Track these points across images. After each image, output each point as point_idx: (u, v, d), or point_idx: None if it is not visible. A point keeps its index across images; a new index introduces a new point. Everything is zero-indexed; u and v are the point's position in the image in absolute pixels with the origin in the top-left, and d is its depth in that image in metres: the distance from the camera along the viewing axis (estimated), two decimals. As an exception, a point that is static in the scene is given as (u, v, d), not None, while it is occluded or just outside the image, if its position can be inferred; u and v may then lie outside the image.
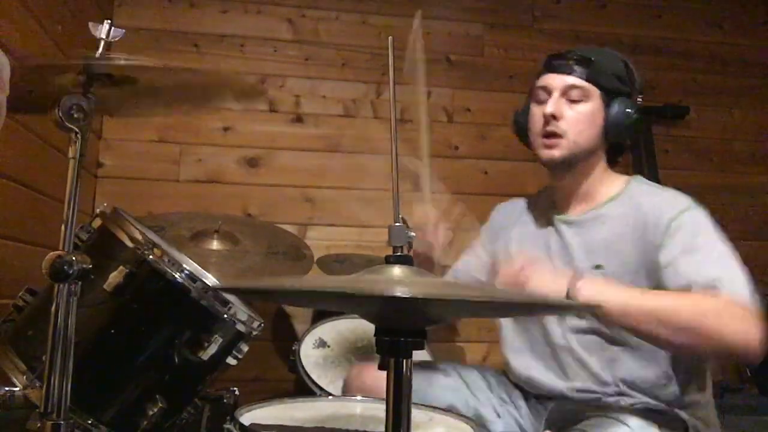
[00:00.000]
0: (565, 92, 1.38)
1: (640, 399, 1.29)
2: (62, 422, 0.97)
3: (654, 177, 2.44)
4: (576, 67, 1.37)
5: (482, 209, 2.59)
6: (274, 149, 2.50)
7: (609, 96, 1.37)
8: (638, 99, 1.42)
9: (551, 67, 1.41)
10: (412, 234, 0.84)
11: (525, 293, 1.14)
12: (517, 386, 1.47)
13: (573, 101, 1.37)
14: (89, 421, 1.09)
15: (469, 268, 1.63)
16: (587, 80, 1.37)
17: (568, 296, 1.15)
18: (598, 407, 1.29)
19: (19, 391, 1.09)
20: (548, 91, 1.40)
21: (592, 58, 1.37)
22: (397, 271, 0.75)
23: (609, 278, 1.26)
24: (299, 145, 2.53)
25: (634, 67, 1.43)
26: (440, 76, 2.64)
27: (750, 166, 2.81)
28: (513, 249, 1.51)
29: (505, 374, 1.51)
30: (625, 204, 1.38)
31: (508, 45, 2.72)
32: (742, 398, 1.71)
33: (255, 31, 2.56)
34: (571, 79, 1.37)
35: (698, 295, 1.18)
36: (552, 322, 1.39)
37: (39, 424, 0.96)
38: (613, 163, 1.46)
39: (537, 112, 1.42)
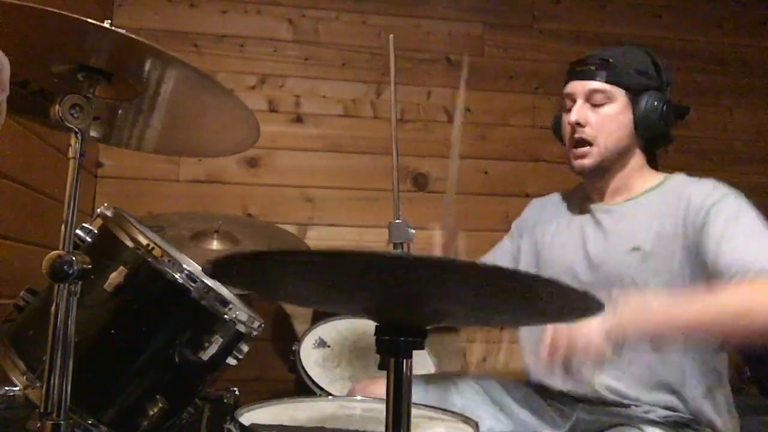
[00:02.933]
0: (588, 97, 1.38)
1: (663, 406, 1.28)
2: (62, 422, 0.97)
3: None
4: (596, 71, 1.37)
5: (482, 209, 2.61)
6: (274, 149, 2.50)
7: (635, 93, 1.37)
8: (667, 91, 1.40)
9: (573, 74, 1.42)
10: (412, 231, 0.84)
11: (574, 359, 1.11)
12: (529, 395, 1.47)
13: (597, 105, 1.37)
14: (89, 421, 1.08)
15: (494, 260, 1.65)
16: (608, 82, 1.36)
17: (617, 334, 1.11)
18: (623, 416, 1.28)
19: (19, 391, 1.09)
20: (573, 99, 1.40)
21: (610, 60, 1.37)
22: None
23: (635, 303, 1.19)
24: (299, 145, 2.53)
25: (661, 61, 1.42)
26: (440, 76, 2.64)
27: (750, 166, 2.81)
28: (548, 240, 1.51)
29: (503, 381, 1.50)
30: (665, 193, 1.38)
31: (508, 45, 2.72)
32: (742, 398, 1.71)
33: (255, 31, 2.56)
34: (592, 84, 1.37)
35: (723, 289, 1.15)
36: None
37: (39, 424, 0.96)
38: (653, 158, 1.45)
39: (565, 121, 1.42)
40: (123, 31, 0.94)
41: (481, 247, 2.58)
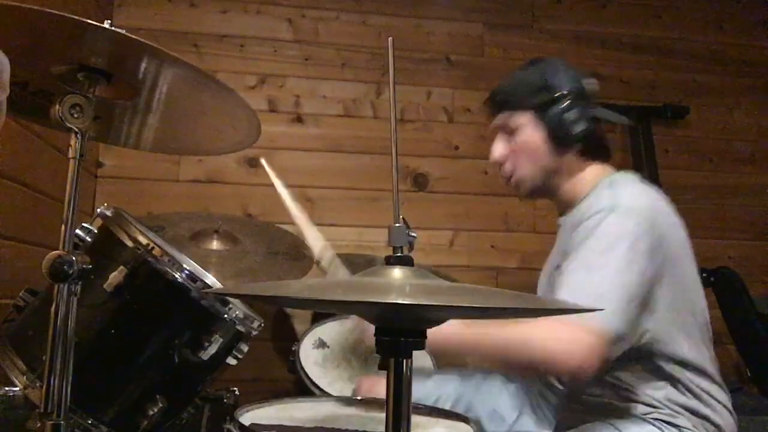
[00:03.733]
0: (502, 130, 1.42)
1: (647, 408, 1.28)
2: (62, 422, 0.97)
3: (654, 177, 2.44)
4: (497, 106, 1.42)
5: (482, 209, 2.61)
6: (274, 149, 2.50)
7: (540, 111, 1.37)
8: (572, 92, 1.36)
9: (487, 111, 1.47)
10: (413, 234, 0.84)
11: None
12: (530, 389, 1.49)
13: (511, 135, 1.41)
14: (89, 421, 1.09)
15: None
16: (511, 111, 1.39)
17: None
18: (605, 413, 1.29)
19: (19, 391, 1.09)
20: (493, 135, 1.45)
21: (508, 89, 1.41)
22: (396, 273, 0.74)
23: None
24: (299, 145, 2.53)
25: (561, 66, 1.40)
26: (440, 76, 2.65)
27: (750, 166, 2.81)
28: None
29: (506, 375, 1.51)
30: (588, 203, 1.36)
31: (508, 45, 2.72)
32: (742, 398, 1.71)
33: (255, 31, 2.56)
34: (498, 119, 1.42)
35: (537, 323, 1.18)
36: None
37: (39, 424, 0.96)
38: (594, 158, 1.41)
39: (490, 157, 1.47)
40: (123, 31, 0.94)
41: (480, 246, 2.60)
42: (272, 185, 1.68)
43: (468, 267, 2.56)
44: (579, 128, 1.35)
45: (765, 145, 2.84)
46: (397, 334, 0.71)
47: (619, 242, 1.21)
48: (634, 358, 1.26)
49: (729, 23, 2.89)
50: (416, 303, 0.62)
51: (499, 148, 1.43)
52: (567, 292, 1.19)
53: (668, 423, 1.26)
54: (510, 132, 1.40)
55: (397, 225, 0.82)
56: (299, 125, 2.55)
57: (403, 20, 2.67)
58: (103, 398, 1.12)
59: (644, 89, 2.76)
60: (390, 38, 0.88)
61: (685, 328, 1.28)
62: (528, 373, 1.37)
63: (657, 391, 1.27)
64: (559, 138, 1.37)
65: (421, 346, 0.72)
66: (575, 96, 1.36)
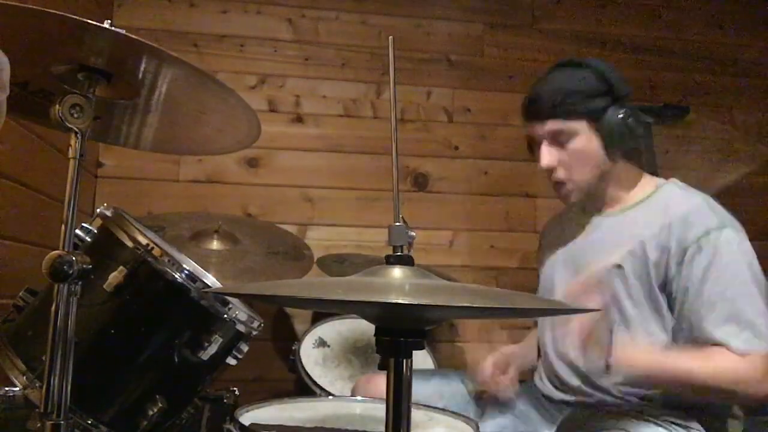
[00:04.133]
0: (551, 138, 1.37)
1: (657, 409, 1.29)
2: (62, 422, 0.97)
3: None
4: (549, 111, 1.35)
5: (482, 209, 2.61)
6: (274, 149, 2.50)
7: (595, 118, 1.34)
8: (624, 94, 1.36)
9: (527, 116, 1.40)
10: (412, 234, 0.84)
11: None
12: (532, 390, 1.48)
13: (562, 143, 1.36)
14: (89, 421, 1.08)
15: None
16: (564, 119, 1.34)
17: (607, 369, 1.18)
18: (614, 415, 1.28)
19: (19, 391, 1.09)
20: (536, 140, 1.40)
21: (559, 96, 1.34)
22: (396, 272, 0.74)
23: (637, 342, 1.27)
24: (299, 145, 2.53)
25: (606, 68, 1.37)
26: (440, 76, 2.65)
27: (750, 166, 2.81)
28: (552, 257, 1.52)
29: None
30: (654, 207, 1.36)
31: (508, 45, 2.72)
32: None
33: (255, 31, 2.56)
34: (550, 126, 1.35)
35: (716, 355, 1.19)
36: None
37: (39, 424, 0.96)
38: (640, 158, 1.44)
39: (539, 164, 1.41)
40: (122, 31, 0.94)
41: (480, 246, 2.59)
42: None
43: (468, 267, 2.56)
44: (638, 134, 1.34)
45: (765, 145, 2.84)
46: (397, 334, 0.71)
47: (734, 261, 1.25)
48: None
49: (729, 23, 2.89)
50: (416, 303, 0.62)
51: (549, 156, 1.36)
52: (722, 319, 1.21)
53: (678, 425, 1.26)
54: (562, 140, 1.35)
55: (397, 224, 0.82)
56: (299, 125, 2.55)
57: (403, 20, 2.67)
58: (103, 398, 1.12)
59: (644, 89, 2.76)
60: (390, 37, 0.88)
61: None
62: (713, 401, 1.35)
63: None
64: (618, 143, 1.34)
65: (421, 346, 0.72)
66: (628, 99, 1.36)
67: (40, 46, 1.01)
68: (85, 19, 0.90)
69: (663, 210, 1.33)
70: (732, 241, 1.27)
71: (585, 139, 1.35)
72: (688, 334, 1.25)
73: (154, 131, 1.32)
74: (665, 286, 1.28)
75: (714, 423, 1.29)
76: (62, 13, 0.89)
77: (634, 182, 1.42)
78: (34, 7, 0.89)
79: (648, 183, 1.42)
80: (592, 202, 1.44)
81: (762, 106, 2.85)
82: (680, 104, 2.76)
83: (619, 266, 1.32)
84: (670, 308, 1.28)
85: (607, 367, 1.17)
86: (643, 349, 1.25)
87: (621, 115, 1.33)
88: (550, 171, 1.38)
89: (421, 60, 2.64)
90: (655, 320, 1.29)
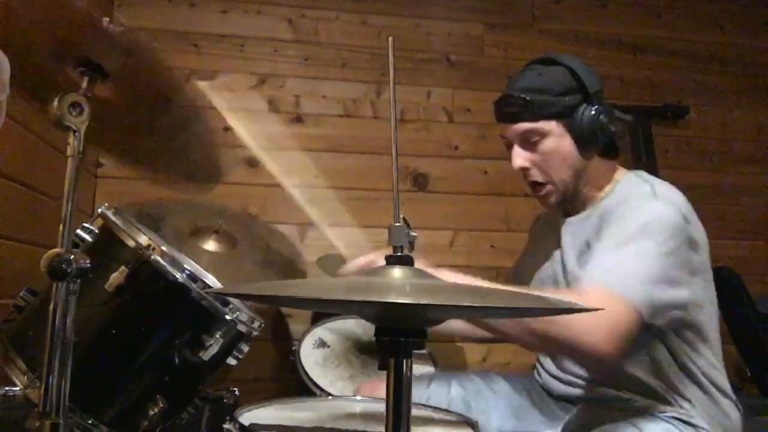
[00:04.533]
0: (523, 139, 1.35)
1: (665, 406, 1.29)
2: (62, 422, 0.97)
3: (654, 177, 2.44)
4: (520, 112, 1.33)
5: (482, 209, 2.61)
6: (274, 149, 2.50)
7: (565, 117, 1.32)
8: (596, 91, 1.33)
9: (499, 117, 1.39)
10: (414, 234, 0.84)
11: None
12: (534, 389, 1.48)
13: (534, 144, 1.34)
14: (89, 421, 1.09)
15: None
16: (535, 119, 1.32)
17: None
18: (623, 412, 1.28)
19: (19, 391, 1.09)
20: (509, 142, 1.38)
21: (528, 97, 1.31)
22: (396, 272, 0.74)
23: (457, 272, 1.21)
24: (299, 145, 2.53)
25: (581, 66, 1.34)
26: (440, 76, 2.64)
27: (750, 166, 2.81)
28: (538, 260, 1.51)
29: (508, 376, 1.51)
30: (613, 200, 1.35)
31: (508, 45, 2.72)
32: (742, 398, 1.71)
33: (255, 31, 2.56)
34: (520, 126, 1.34)
35: (557, 291, 1.18)
36: None
37: (38, 424, 0.96)
38: (610, 157, 1.41)
39: (512, 165, 1.39)
40: (122, 29, 0.94)
41: (480, 246, 2.59)
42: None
43: (468, 267, 2.56)
44: (611, 130, 1.32)
45: (765, 145, 2.84)
46: (397, 334, 0.71)
47: (662, 229, 1.20)
48: (659, 355, 1.27)
49: (729, 23, 2.89)
50: (416, 303, 0.62)
51: (522, 156, 1.35)
52: (596, 270, 1.18)
53: (685, 422, 1.26)
54: (533, 141, 1.33)
55: (397, 224, 0.82)
56: (299, 125, 2.55)
57: (403, 20, 2.67)
58: (103, 398, 1.12)
59: (644, 89, 2.76)
60: (390, 38, 0.88)
61: (710, 325, 1.30)
62: (557, 352, 1.32)
63: (680, 389, 1.28)
64: (590, 142, 1.33)
65: (421, 346, 0.72)
66: (600, 96, 1.33)
67: (42, 36, 1.00)
68: (102, 18, 0.90)
69: (610, 200, 1.33)
70: (657, 211, 1.23)
71: (556, 139, 1.33)
72: None
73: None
74: None
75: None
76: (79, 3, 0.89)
77: (606, 181, 1.39)
78: None
79: (611, 178, 1.40)
80: (571, 205, 1.43)
81: (762, 106, 2.85)
82: (680, 104, 2.76)
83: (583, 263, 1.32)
84: None
85: None
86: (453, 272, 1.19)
87: (593, 113, 1.30)
88: (525, 173, 1.37)
89: (421, 60, 2.64)
90: None
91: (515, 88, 1.36)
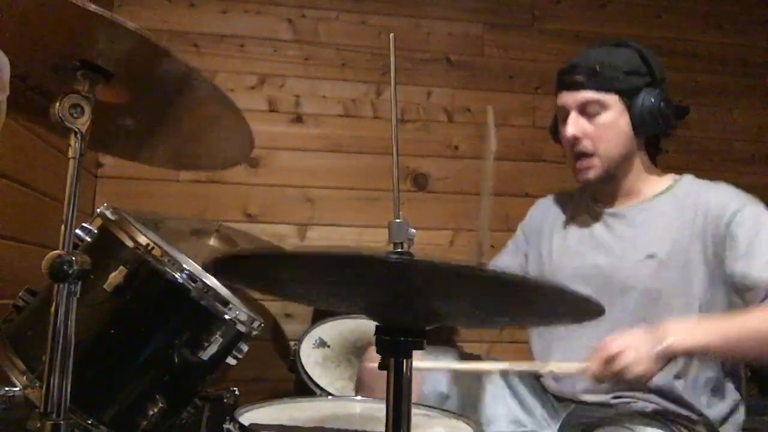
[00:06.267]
0: (582, 109, 1.35)
1: (667, 406, 1.28)
2: (62, 422, 0.97)
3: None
4: (585, 81, 1.33)
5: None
6: (274, 149, 2.50)
7: (628, 96, 1.33)
8: (661, 79, 1.36)
9: (562, 85, 1.39)
10: (412, 231, 0.84)
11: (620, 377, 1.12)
12: (537, 385, 1.47)
13: (592, 115, 1.34)
14: (89, 421, 1.08)
15: (503, 265, 1.62)
16: (599, 90, 1.33)
17: (665, 355, 1.12)
18: (619, 414, 1.28)
19: (19, 391, 1.09)
20: (566, 110, 1.37)
21: (598, 67, 1.32)
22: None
23: (686, 318, 1.22)
24: (299, 145, 2.53)
25: (650, 53, 1.37)
26: (440, 76, 2.65)
27: (750, 166, 2.81)
28: (556, 245, 1.48)
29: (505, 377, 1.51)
30: (677, 198, 1.35)
31: (508, 45, 2.72)
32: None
33: (255, 31, 2.56)
34: (583, 95, 1.34)
35: None
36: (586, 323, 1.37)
37: (39, 424, 0.96)
38: (656, 156, 1.43)
39: (563, 134, 1.39)
40: (135, 27, 0.94)
41: (481, 247, 2.60)
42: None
43: (468, 267, 2.56)
44: (670, 118, 1.34)
45: (765, 145, 2.84)
46: (398, 333, 0.71)
47: None
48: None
49: (729, 23, 2.89)
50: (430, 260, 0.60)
51: (577, 125, 1.34)
52: None
53: (682, 424, 1.26)
54: (592, 112, 1.34)
55: (398, 221, 0.82)
56: (299, 125, 2.55)
57: (403, 20, 2.67)
58: (103, 398, 1.12)
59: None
60: (391, 35, 0.88)
61: None
62: None
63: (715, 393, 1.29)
64: (647, 126, 1.33)
65: (421, 346, 0.72)
66: (665, 85, 1.35)
67: (42, 38, 1.00)
68: (99, 10, 0.90)
69: (692, 198, 1.32)
70: (763, 209, 1.27)
71: (615, 114, 1.33)
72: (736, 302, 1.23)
73: (153, 146, 1.32)
74: (716, 266, 1.26)
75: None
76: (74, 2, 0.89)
77: (650, 176, 1.41)
78: None
79: (663, 177, 1.42)
80: (603, 194, 1.42)
81: (762, 106, 2.85)
82: (680, 104, 2.75)
83: (651, 255, 1.31)
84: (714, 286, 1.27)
85: (664, 352, 1.12)
86: (693, 322, 1.20)
87: (655, 98, 1.32)
88: (575, 142, 1.36)
89: (421, 60, 2.64)
90: (690, 308, 1.27)
91: (584, 59, 1.36)
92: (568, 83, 1.37)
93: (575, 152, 1.37)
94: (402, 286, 0.67)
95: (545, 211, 1.59)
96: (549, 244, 1.51)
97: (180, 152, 1.39)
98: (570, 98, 1.36)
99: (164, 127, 1.23)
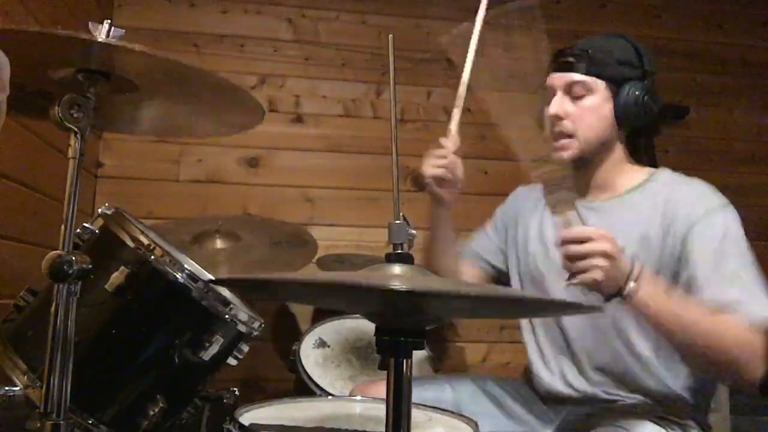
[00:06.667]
0: (568, 89, 1.36)
1: (655, 406, 1.29)
2: (62, 422, 0.97)
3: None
4: (576, 63, 1.35)
5: (482, 209, 2.59)
6: (274, 149, 2.50)
7: (616, 84, 1.34)
8: (651, 73, 1.36)
9: (554, 66, 1.40)
10: (412, 231, 0.84)
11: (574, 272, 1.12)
12: (525, 391, 1.47)
13: (577, 97, 1.35)
14: (89, 421, 1.08)
15: (480, 250, 1.62)
16: (587, 74, 1.34)
17: (620, 291, 1.12)
18: (613, 413, 1.28)
19: (19, 391, 1.09)
20: (553, 91, 1.38)
21: (590, 51, 1.34)
22: (396, 268, 0.74)
23: (657, 278, 1.21)
24: (299, 145, 2.53)
25: (643, 47, 1.37)
26: (440, 76, 2.64)
27: (750, 166, 2.81)
28: (532, 234, 1.49)
29: (500, 379, 1.51)
30: (652, 193, 1.35)
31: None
32: (742, 398, 1.71)
33: (255, 31, 2.56)
34: (571, 76, 1.35)
35: (728, 315, 1.15)
36: (574, 322, 1.38)
37: (39, 424, 0.96)
38: (636, 151, 1.43)
39: (546, 113, 1.40)
40: (118, 38, 0.94)
41: (481, 247, 2.59)
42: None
43: (468, 267, 2.56)
44: (653, 111, 1.34)
45: (765, 145, 2.84)
46: (397, 333, 0.71)
47: (741, 239, 1.26)
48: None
49: (729, 23, 2.89)
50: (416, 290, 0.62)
51: (560, 104, 1.36)
52: (734, 288, 1.18)
53: (674, 422, 1.26)
54: (578, 94, 1.35)
55: (397, 221, 0.82)
56: (299, 125, 2.55)
57: (403, 20, 2.67)
58: (103, 398, 1.12)
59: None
60: (390, 36, 0.88)
61: None
62: (707, 370, 1.28)
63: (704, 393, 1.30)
64: (629, 116, 1.34)
65: (421, 346, 0.72)
66: (653, 79, 1.35)
67: (39, 57, 1.01)
68: (82, 35, 0.90)
69: (664, 197, 1.32)
70: (736, 220, 1.28)
71: (600, 99, 1.34)
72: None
73: (153, 118, 1.32)
74: (670, 266, 1.27)
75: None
76: (61, 32, 0.89)
77: (625, 170, 1.41)
78: (32, 30, 0.89)
79: (638, 171, 1.41)
80: (579, 185, 1.42)
81: (762, 106, 2.85)
82: (680, 104, 2.76)
83: (620, 251, 1.31)
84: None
85: (621, 296, 1.12)
86: (663, 286, 1.19)
87: (639, 91, 1.33)
88: (556, 120, 1.37)
89: (421, 60, 2.64)
90: None
91: (577, 44, 1.38)
92: (559, 64, 1.39)
93: (555, 131, 1.38)
94: (403, 307, 0.69)
95: (523, 200, 1.61)
96: (525, 232, 1.52)
97: (180, 123, 1.39)
98: (558, 79, 1.38)
99: (162, 103, 1.23)
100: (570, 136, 1.36)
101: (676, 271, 1.26)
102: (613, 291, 1.13)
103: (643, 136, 1.43)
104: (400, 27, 2.65)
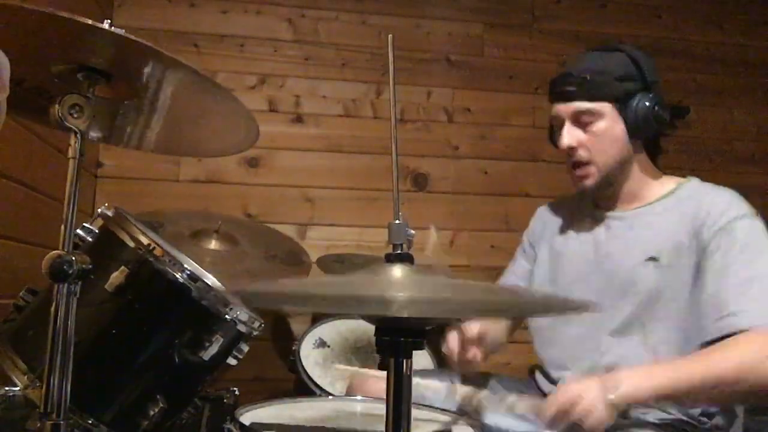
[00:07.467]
0: (575, 119, 1.35)
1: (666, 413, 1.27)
2: (62, 422, 0.97)
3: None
4: (577, 91, 1.33)
5: (482, 209, 2.61)
6: (274, 149, 2.50)
7: (621, 102, 1.32)
8: (654, 82, 1.35)
9: (554, 96, 1.39)
10: (411, 231, 0.84)
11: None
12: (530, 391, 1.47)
13: (586, 124, 1.34)
14: (89, 421, 1.09)
15: (515, 278, 1.62)
16: (591, 99, 1.32)
17: (619, 404, 1.11)
18: (623, 423, 1.28)
19: (19, 391, 1.09)
20: (560, 121, 1.37)
21: (588, 77, 1.32)
22: (396, 272, 0.74)
23: (634, 372, 1.18)
24: (299, 145, 2.53)
25: (642, 56, 1.36)
26: (440, 76, 2.65)
27: (750, 166, 2.81)
28: (560, 249, 1.48)
29: (505, 377, 1.51)
30: (680, 201, 1.35)
31: (508, 45, 2.72)
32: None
33: (255, 31, 2.56)
34: (575, 105, 1.33)
35: (737, 340, 1.14)
36: (586, 323, 1.36)
37: (39, 424, 0.96)
38: (657, 156, 1.43)
39: (559, 143, 1.39)
40: (122, 32, 0.94)
41: (480, 246, 2.60)
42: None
43: (468, 267, 2.56)
44: (665, 120, 1.33)
45: (765, 145, 2.84)
46: (397, 334, 0.71)
47: (764, 249, 1.24)
48: None
49: (729, 23, 2.89)
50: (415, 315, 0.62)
51: (571, 135, 1.34)
52: (747, 301, 1.17)
53: (676, 427, 1.25)
54: (585, 122, 1.34)
55: (397, 222, 0.82)
56: (299, 125, 2.55)
57: (403, 20, 2.67)
58: (103, 398, 1.12)
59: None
60: (390, 36, 0.88)
61: None
62: (738, 401, 1.28)
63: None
64: (642, 130, 1.33)
65: (421, 347, 0.72)
66: (658, 87, 1.34)
67: (39, 45, 1.00)
68: (85, 20, 0.90)
69: (695, 202, 1.32)
70: (762, 230, 1.27)
71: (609, 122, 1.33)
72: (706, 321, 1.21)
73: (155, 133, 1.32)
74: (698, 273, 1.26)
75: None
76: (63, 14, 0.89)
77: (651, 179, 1.40)
78: (34, 7, 0.89)
79: (666, 180, 1.41)
80: (604, 199, 1.42)
81: (762, 106, 2.85)
82: (680, 104, 2.75)
83: (653, 258, 1.30)
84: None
85: (620, 404, 1.11)
86: (646, 369, 1.18)
87: (648, 102, 1.32)
88: (571, 152, 1.36)
89: (421, 60, 2.64)
90: (689, 312, 1.26)
91: (575, 68, 1.36)
92: (559, 94, 1.37)
93: (572, 162, 1.38)
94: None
95: (548, 218, 1.60)
96: (551, 249, 1.51)
97: (179, 139, 1.38)
98: (563, 109, 1.36)
99: (163, 116, 1.22)
100: (587, 163, 1.36)
101: (699, 275, 1.25)
102: (608, 415, 1.11)
103: (661, 142, 1.43)
104: (400, 27, 2.65)
